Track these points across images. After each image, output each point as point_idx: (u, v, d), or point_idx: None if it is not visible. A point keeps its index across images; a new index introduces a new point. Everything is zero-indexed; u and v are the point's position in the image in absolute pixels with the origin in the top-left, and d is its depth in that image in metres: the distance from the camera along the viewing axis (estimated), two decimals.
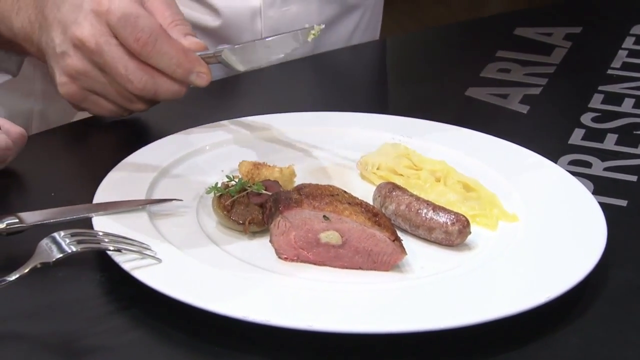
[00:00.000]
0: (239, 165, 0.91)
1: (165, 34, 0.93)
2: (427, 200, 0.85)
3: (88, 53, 0.95)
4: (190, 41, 0.96)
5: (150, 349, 0.72)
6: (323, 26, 0.94)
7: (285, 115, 1.04)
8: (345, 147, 0.99)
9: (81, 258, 0.77)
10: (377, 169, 0.93)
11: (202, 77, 0.95)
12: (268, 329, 0.70)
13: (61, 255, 0.73)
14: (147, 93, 0.95)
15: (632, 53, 1.29)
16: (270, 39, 0.97)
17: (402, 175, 0.93)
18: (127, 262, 0.75)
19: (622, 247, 0.84)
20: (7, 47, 1.09)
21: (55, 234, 0.74)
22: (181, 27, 0.97)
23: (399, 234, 0.82)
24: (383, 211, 0.86)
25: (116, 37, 0.93)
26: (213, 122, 1.01)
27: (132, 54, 0.93)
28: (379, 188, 0.88)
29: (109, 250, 0.75)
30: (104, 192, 0.86)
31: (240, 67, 0.97)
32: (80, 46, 0.94)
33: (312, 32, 0.94)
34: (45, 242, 0.74)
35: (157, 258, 0.76)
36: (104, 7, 0.93)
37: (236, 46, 0.96)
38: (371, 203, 0.85)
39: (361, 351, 0.72)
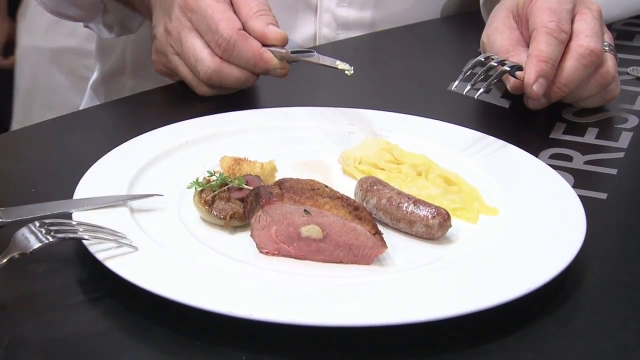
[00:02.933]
0: (220, 160, 0.91)
1: (242, 38, 1.03)
2: (408, 194, 0.85)
3: (171, 39, 1.08)
4: (272, 31, 1.04)
5: (128, 342, 0.72)
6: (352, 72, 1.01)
7: (267, 111, 1.04)
8: (327, 141, 0.99)
9: (60, 251, 0.77)
10: (359, 163, 0.94)
11: (279, 72, 1.06)
12: (248, 322, 0.70)
13: (38, 245, 0.73)
14: (214, 81, 1.06)
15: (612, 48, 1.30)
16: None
17: (383, 169, 0.93)
18: (105, 255, 0.75)
19: (602, 239, 0.84)
20: (132, 8, 1.26)
21: (31, 225, 0.74)
22: (265, 17, 1.05)
23: (380, 228, 0.82)
24: (364, 205, 0.86)
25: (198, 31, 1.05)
26: (195, 117, 1.01)
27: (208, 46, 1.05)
28: (360, 182, 0.88)
29: (85, 239, 0.75)
30: (85, 188, 0.86)
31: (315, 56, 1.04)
32: (167, 33, 1.08)
33: (347, 71, 1.00)
34: (21, 233, 0.74)
35: (133, 246, 0.76)
36: (190, 5, 1.05)
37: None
38: (353, 197, 0.85)
39: (343, 344, 0.72)
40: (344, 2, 1.29)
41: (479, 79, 1.00)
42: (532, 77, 1.00)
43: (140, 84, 1.36)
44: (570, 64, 1.02)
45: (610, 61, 1.06)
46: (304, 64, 1.05)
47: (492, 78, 1.00)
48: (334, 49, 1.30)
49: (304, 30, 1.30)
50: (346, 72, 1.00)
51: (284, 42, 1.05)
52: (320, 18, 1.29)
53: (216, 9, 1.04)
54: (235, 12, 1.06)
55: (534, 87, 1.00)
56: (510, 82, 1.05)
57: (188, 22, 1.05)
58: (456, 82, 0.98)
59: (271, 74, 1.06)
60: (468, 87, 0.98)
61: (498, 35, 1.08)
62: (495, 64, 1.02)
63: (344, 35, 1.32)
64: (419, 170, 0.92)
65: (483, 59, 1.02)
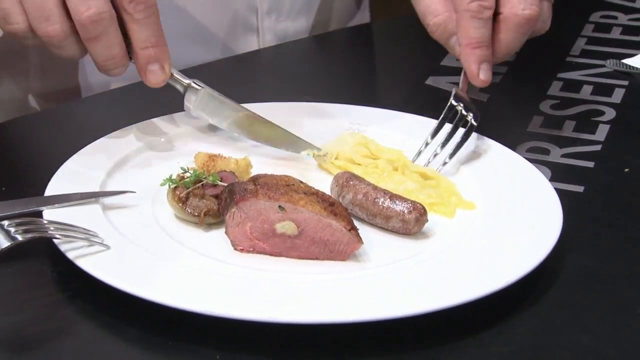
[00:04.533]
0: (194, 156, 0.90)
1: (112, 21, 0.86)
2: (384, 189, 0.85)
3: None
4: (151, 79, 0.90)
5: (100, 342, 0.71)
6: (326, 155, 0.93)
7: (250, 106, 1.03)
8: (303, 136, 0.98)
9: (31, 250, 0.76)
10: (335, 158, 0.93)
11: (156, 75, 0.89)
12: (221, 321, 0.70)
13: (8, 244, 0.72)
14: (91, 30, 0.85)
15: (590, 40, 1.30)
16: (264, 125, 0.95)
17: (359, 164, 0.92)
18: (76, 253, 0.74)
19: (578, 232, 0.84)
20: None
21: (1, 224, 0.73)
22: (153, 50, 0.89)
23: (357, 223, 0.82)
24: (340, 200, 0.85)
25: None
26: (169, 113, 1.00)
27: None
28: (336, 178, 0.87)
29: (56, 238, 0.74)
30: (57, 186, 0.84)
31: (192, 110, 0.94)
32: None
33: (315, 153, 0.93)
34: None
35: (105, 245, 0.75)
36: None
37: (216, 93, 0.94)
38: (329, 193, 0.85)
39: (318, 341, 0.71)
40: (281, 15, 1.24)
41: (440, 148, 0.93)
42: (474, 68, 0.95)
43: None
44: (507, 36, 0.96)
45: (546, 11, 1.00)
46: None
47: (453, 152, 0.93)
48: (320, 42, 1.29)
49: (246, 50, 1.24)
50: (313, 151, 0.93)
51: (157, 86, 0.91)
52: (263, 37, 1.24)
53: None
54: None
55: (480, 77, 0.96)
56: (460, 86, 0.99)
57: None
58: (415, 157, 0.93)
59: (150, 69, 0.89)
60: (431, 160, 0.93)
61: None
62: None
63: (284, 46, 1.26)
64: (396, 165, 0.91)
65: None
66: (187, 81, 0.94)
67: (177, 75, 0.93)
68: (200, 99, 0.94)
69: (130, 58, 0.90)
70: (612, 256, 0.83)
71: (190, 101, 0.94)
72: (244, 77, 1.10)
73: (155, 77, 0.90)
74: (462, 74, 0.99)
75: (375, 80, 1.20)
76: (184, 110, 0.98)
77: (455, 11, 0.98)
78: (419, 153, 0.93)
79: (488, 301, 0.72)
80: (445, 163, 0.92)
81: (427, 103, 1.13)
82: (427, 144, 0.94)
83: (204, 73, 1.12)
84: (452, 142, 0.93)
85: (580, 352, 0.71)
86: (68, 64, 1.14)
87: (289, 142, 0.95)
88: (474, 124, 0.95)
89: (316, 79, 1.18)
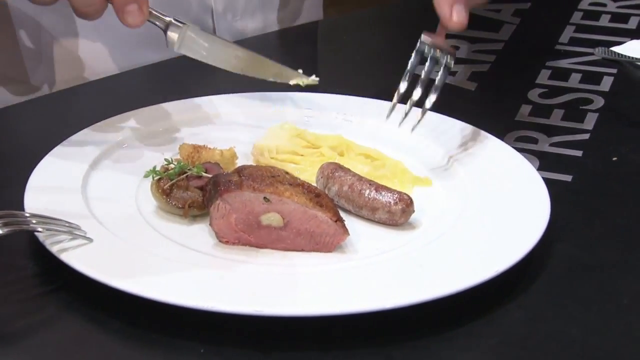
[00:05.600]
0: (179, 148, 0.89)
1: None
2: (370, 180, 0.84)
3: None
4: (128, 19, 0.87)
5: (83, 335, 0.70)
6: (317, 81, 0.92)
7: (227, 97, 1.02)
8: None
9: (13, 243, 0.75)
10: (276, 153, 0.91)
11: (134, 15, 0.87)
12: (205, 314, 0.69)
13: None
14: None
15: (579, 28, 1.29)
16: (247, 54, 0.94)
17: (303, 155, 0.91)
18: (59, 247, 0.73)
19: (566, 222, 0.84)
20: None
21: None
22: None
23: (343, 215, 0.81)
24: (326, 192, 0.84)
25: None
26: (153, 104, 0.99)
27: None
28: (322, 169, 0.86)
29: (38, 231, 0.73)
30: (40, 177, 0.83)
31: (177, 47, 0.92)
32: None
33: (305, 81, 0.92)
34: None
35: (88, 238, 0.74)
36: None
37: (199, 29, 0.92)
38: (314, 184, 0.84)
39: (303, 333, 0.70)
40: (237, 15, 1.22)
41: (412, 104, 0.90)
42: (446, 10, 0.90)
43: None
44: None
45: None
46: (241, 44, 0.96)
47: (422, 114, 0.90)
48: (297, 33, 1.28)
49: None
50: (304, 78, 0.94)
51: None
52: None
53: None
54: None
55: (453, 18, 0.91)
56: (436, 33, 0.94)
57: None
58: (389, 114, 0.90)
59: (129, 9, 0.86)
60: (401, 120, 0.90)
61: None
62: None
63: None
64: (340, 150, 0.91)
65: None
66: (168, 18, 0.91)
67: (157, 13, 0.91)
68: (183, 36, 0.92)
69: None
70: (600, 245, 0.82)
71: (173, 38, 0.92)
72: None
73: (134, 18, 0.87)
74: (439, 23, 0.94)
75: (364, 70, 1.19)
76: (167, 102, 0.97)
77: None
78: (393, 107, 0.90)
79: (476, 291, 0.72)
80: (419, 120, 0.89)
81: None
82: (399, 93, 0.90)
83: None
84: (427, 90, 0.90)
85: (568, 342, 0.70)
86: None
87: (278, 72, 0.94)
88: (449, 64, 0.91)
89: (305, 69, 1.18)
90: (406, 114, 0.89)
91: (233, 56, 0.94)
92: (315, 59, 1.25)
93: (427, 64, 0.91)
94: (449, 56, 0.91)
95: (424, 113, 0.89)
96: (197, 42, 0.92)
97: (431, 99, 0.89)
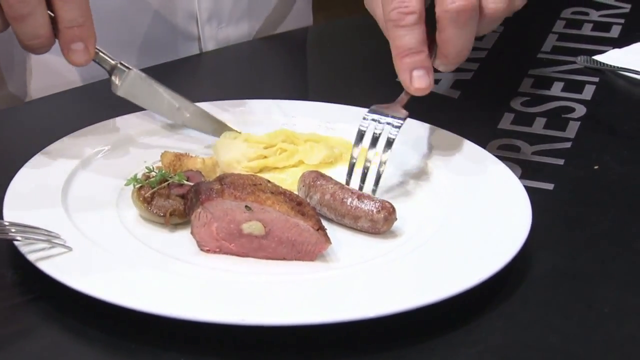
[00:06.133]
0: (161, 155, 0.89)
1: (41, 6, 0.83)
2: (352, 189, 0.84)
3: None
4: (74, 59, 0.86)
5: (62, 346, 0.69)
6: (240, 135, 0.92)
7: (210, 104, 1.01)
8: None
9: None
10: (248, 161, 0.90)
11: (79, 54, 0.85)
12: (186, 323, 0.68)
13: None
14: (18, 9, 0.82)
15: (562, 37, 1.30)
16: (184, 104, 0.95)
17: (267, 157, 0.91)
18: (38, 256, 0.72)
19: (548, 230, 0.84)
20: None
21: None
22: (77, 29, 0.86)
23: (325, 223, 0.81)
24: (308, 201, 0.84)
25: None
26: (136, 112, 0.98)
27: None
28: (303, 177, 0.86)
29: (17, 240, 0.73)
30: (19, 185, 0.83)
31: (118, 90, 0.92)
32: None
33: (227, 134, 0.93)
34: None
35: (67, 246, 0.74)
36: None
37: (144, 75, 0.93)
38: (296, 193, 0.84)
39: (284, 342, 0.70)
40: (222, 22, 1.21)
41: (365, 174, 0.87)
42: (406, 77, 0.87)
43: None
44: (447, 34, 0.86)
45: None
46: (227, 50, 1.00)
47: (376, 179, 0.86)
48: (278, 41, 1.28)
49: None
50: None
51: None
52: (205, 45, 1.21)
53: None
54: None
55: (414, 85, 0.87)
56: (399, 99, 0.92)
57: None
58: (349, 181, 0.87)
59: (73, 48, 0.85)
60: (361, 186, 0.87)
61: None
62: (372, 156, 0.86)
63: (227, 52, 1.24)
64: (292, 141, 0.92)
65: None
66: (113, 62, 0.91)
67: (104, 55, 0.91)
68: (127, 81, 0.92)
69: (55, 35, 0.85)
70: (581, 254, 0.83)
71: (116, 82, 0.92)
72: (210, 74, 1.08)
73: (78, 57, 0.86)
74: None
75: (346, 78, 1.19)
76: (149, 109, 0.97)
77: None
78: (350, 173, 0.87)
79: (457, 301, 0.72)
80: (374, 190, 0.86)
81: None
82: (350, 173, 0.87)
83: (152, 74, 1.11)
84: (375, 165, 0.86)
85: (549, 351, 0.70)
86: None
87: (217, 128, 0.95)
88: (392, 137, 0.87)
89: (283, 76, 1.18)
90: (362, 179, 0.86)
91: (175, 108, 0.95)
92: (302, 66, 1.25)
93: (376, 129, 0.88)
94: (395, 119, 0.88)
95: (378, 176, 0.86)
96: (140, 89, 0.93)
97: (383, 157, 0.86)
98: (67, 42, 0.85)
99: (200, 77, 1.10)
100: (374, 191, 0.86)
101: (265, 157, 0.91)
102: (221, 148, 0.91)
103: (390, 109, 0.90)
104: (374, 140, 0.87)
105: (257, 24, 1.26)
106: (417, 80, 0.87)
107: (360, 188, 0.86)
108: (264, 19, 1.27)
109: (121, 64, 0.92)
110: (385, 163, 0.86)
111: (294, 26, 1.32)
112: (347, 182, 0.87)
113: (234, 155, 0.90)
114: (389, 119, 0.88)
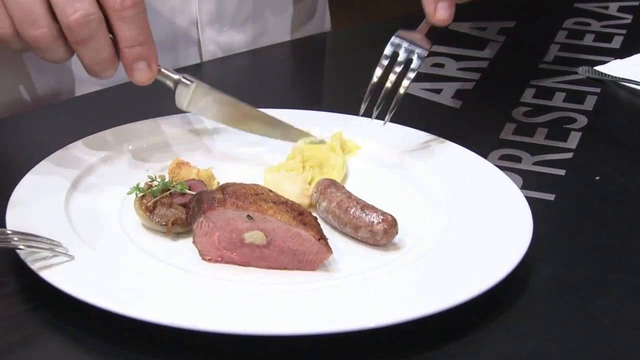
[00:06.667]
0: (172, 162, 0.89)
1: (101, 24, 0.84)
2: (359, 199, 0.84)
3: None
4: (138, 79, 0.88)
5: (65, 354, 0.69)
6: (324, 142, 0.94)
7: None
8: (273, 144, 0.97)
9: None
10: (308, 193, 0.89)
11: (143, 73, 0.87)
12: (188, 333, 0.69)
13: None
14: (78, 33, 0.84)
15: (564, 47, 1.30)
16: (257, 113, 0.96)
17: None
18: (40, 264, 0.73)
19: (549, 241, 0.84)
20: None
21: None
22: (139, 49, 0.87)
23: (329, 232, 0.81)
24: (316, 208, 0.85)
25: None
26: (138, 120, 0.98)
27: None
28: (317, 184, 0.87)
29: (19, 249, 0.73)
30: (22, 194, 0.83)
31: (184, 106, 0.93)
32: None
33: (309, 140, 0.94)
34: None
35: (69, 255, 0.74)
36: None
37: (206, 86, 0.93)
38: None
39: (284, 351, 0.70)
40: (224, 26, 1.20)
41: (384, 98, 0.93)
42: (430, 9, 0.92)
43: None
44: None
45: None
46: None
47: (393, 105, 0.93)
48: (280, 50, 1.29)
49: (188, 64, 1.21)
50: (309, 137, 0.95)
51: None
52: (205, 49, 1.20)
53: None
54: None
55: (437, 16, 0.93)
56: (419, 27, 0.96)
57: None
58: (362, 108, 0.93)
59: (137, 67, 0.87)
60: (375, 114, 0.93)
61: None
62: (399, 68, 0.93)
63: (229, 58, 1.24)
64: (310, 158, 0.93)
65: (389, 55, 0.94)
66: (176, 77, 0.92)
67: (166, 71, 0.92)
68: (191, 94, 0.93)
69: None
70: (582, 265, 0.83)
71: (181, 97, 0.93)
72: (221, 80, 1.09)
73: (142, 75, 0.87)
74: (425, 19, 0.96)
75: (348, 87, 1.19)
76: (152, 118, 0.97)
77: None
78: (366, 99, 0.92)
79: (457, 311, 0.72)
80: (392, 108, 0.92)
81: (399, 109, 1.13)
82: (370, 91, 0.92)
83: (142, 88, 1.11)
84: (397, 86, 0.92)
85: None
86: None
87: (285, 132, 0.95)
88: (421, 54, 0.93)
89: (288, 86, 1.18)
90: (379, 105, 0.90)
91: (242, 116, 0.95)
92: (309, 76, 1.25)
93: (400, 55, 0.93)
94: (420, 48, 0.94)
95: (397, 101, 0.90)
96: (204, 101, 0.94)
97: (404, 84, 0.91)
98: (130, 62, 0.86)
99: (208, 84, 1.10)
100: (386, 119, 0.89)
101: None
102: (281, 185, 0.88)
103: (415, 37, 0.94)
104: (398, 66, 0.92)
105: (263, 29, 1.25)
106: (442, 10, 0.93)
107: (373, 114, 0.90)
108: (269, 23, 1.26)
109: (184, 77, 0.93)
110: (404, 90, 0.91)
111: (307, 32, 1.31)
112: (362, 109, 0.91)
113: (296, 192, 0.88)
114: (416, 49, 0.93)
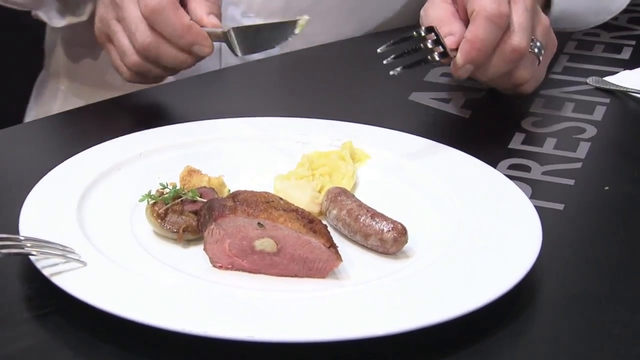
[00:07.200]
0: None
1: (174, 5, 1.02)
2: (369, 207, 0.84)
3: (112, 5, 1.07)
4: (209, 21, 1.04)
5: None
6: (308, 18, 1.04)
7: (229, 121, 1.02)
8: (282, 152, 0.98)
9: (6, 266, 0.75)
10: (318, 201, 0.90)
11: (203, 49, 1.04)
12: (200, 339, 0.69)
13: None
14: (149, 53, 1.04)
15: (573, 57, 1.31)
16: (268, 23, 1.09)
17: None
18: (52, 270, 0.73)
19: (558, 250, 0.84)
20: None
21: None
22: (209, 4, 1.05)
23: (339, 240, 0.81)
24: (327, 215, 0.85)
25: None
26: (150, 128, 0.99)
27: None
28: (327, 192, 0.87)
29: (32, 255, 0.74)
30: (34, 201, 0.84)
31: (239, 52, 1.06)
32: (110, 1, 1.07)
33: (301, 23, 1.03)
34: None
35: (82, 261, 0.74)
36: None
37: (239, 26, 1.05)
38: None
39: (297, 359, 0.71)
40: (249, 12, 1.25)
41: (406, 54, 0.99)
42: (460, 61, 1.00)
43: (75, 87, 1.35)
44: (494, 60, 1.02)
45: (520, 35, 1.01)
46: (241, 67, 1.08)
47: (413, 63, 1.00)
48: (293, 59, 1.29)
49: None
50: (299, 21, 1.04)
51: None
52: (225, 25, 1.25)
53: None
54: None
55: (459, 72, 1.01)
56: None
57: None
58: (383, 47, 0.99)
59: (195, 50, 1.04)
60: (390, 60, 0.99)
61: (434, 8, 1.06)
62: (430, 46, 1.01)
63: (242, 66, 1.28)
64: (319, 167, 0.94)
65: (422, 34, 1.00)
66: (220, 30, 1.05)
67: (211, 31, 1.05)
68: (236, 40, 1.05)
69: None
70: (591, 274, 0.83)
71: (232, 47, 1.05)
72: (225, 92, 1.10)
73: (202, 52, 1.05)
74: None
75: (357, 96, 1.20)
76: (163, 125, 0.98)
77: (468, 11, 1.02)
78: (393, 44, 0.98)
79: (466, 320, 0.72)
80: (397, 70, 0.98)
81: (409, 118, 1.14)
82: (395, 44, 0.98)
83: (155, 95, 1.13)
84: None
85: None
86: None
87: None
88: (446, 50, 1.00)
89: (299, 94, 1.18)
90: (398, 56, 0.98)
91: (285, 33, 1.06)
92: (319, 84, 1.25)
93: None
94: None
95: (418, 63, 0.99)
96: (250, 38, 1.05)
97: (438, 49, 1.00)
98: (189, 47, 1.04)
99: (213, 93, 1.11)
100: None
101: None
102: (290, 193, 0.89)
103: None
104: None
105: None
106: (464, 71, 1.01)
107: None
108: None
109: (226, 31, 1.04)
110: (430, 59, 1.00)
111: (338, 36, 1.33)
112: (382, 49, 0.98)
113: (306, 200, 0.88)
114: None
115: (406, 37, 0.99)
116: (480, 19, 0.99)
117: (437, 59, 1.00)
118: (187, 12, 1.05)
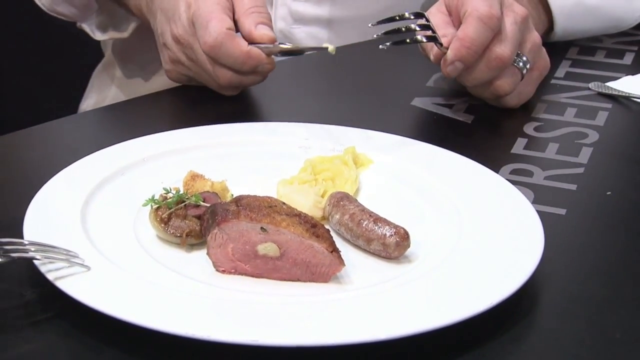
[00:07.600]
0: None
1: (229, 37, 1.05)
2: (371, 212, 0.85)
3: (183, 48, 1.09)
4: (259, 32, 1.06)
5: None
6: (334, 48, 1.09)
7: (231, 126, 1.03)
8: (285, 157, 0.98)
9: (10, 271, 0.76)
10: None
11: (265, 67, 1.08)
12: (203, 343, 0.69)
13: None
14: (233, 85, 1.10)
15: (575, 63, 1.31)
16: (302, 47, 1.15)
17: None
18: (56, 274, 0.74)
19: (560, 255, 0.84)
20: (126, 9, 1.27)
21: None
22: (256, 15, 1.07)
23: (341, 245, 0.82)
24: (329, 220, 0.85)
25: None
26: (154, 133, 1.00)
27: None
28: (330, 197, 0.88)
29: (36, 259, 0.74)
30: (38, 205, 0.84)
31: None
32: (177, 41, 1.09)
33: (330, 50, 1.09)
34: None
35: (85, 266, 0.75)
36: (191, 8, 1.06)
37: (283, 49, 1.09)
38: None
39: None
40: (297, 23, 1.29)
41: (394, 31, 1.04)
42: (450, 57, 1.03)
43: (130, 72, 1.40)
44: (479, 65, 1.05)
45: (505, 44, 1.04)
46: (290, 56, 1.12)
47: (399, 41, 1.05)
48: (297, 64, 1.30)
49: None
50: (329, 49, 1.07)
51: (270, 42, 1.07)
52: (276, 11, 1.29)
53: (209, 8, 1.05)
54: (233, 11, 1.08)
55: (448, 68, 1.04)
56: (433, 52, 1.09)
57: (192, 28, 1.07)
58: (374, 22, 1.04)
59: (259, 70, 1.08)
60: (380, 34, 1.04)
61: (430, 15, 1.08)
62: (419, 29, 1.06)
63: (299, 30, 1.33)
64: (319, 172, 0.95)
65: (412, 17, 1.06)
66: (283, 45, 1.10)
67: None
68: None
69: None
70: (593, 279, 0.83)
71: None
72: (202, 100, 1.11)
73: (266, 71, 1.09)
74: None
75: (359, 101, 1.20)
76: (166, 130, 0.99)
77: (460, 16, 1.06)
78: (387, 20, 1.04)
79: (468, 324, 0.72)
80: (385, 44, 1.04)
81: (412, 123, 1.14)
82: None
83: (159, 100, 1.15)
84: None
85: None
86: None
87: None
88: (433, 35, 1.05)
89: (297, 100, 1.19)
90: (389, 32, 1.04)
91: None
92: (322, 89, 1.26)
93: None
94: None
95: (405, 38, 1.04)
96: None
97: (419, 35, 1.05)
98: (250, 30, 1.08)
99: (216, 98, 1.12)
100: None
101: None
102: (293, 198, 0.89)
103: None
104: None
105: (339, 10, 1.33)
106: (453, 68, 1.05)
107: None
108: (347, 5, 1.33)
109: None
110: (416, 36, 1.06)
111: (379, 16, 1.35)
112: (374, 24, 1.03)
113: (309, 205, 0.88)
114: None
115: (399, 17, 1.05)
116: (471, 19, 1.02)
117: (425, 40, 1.05)
118: (237, 27, 1.07)
